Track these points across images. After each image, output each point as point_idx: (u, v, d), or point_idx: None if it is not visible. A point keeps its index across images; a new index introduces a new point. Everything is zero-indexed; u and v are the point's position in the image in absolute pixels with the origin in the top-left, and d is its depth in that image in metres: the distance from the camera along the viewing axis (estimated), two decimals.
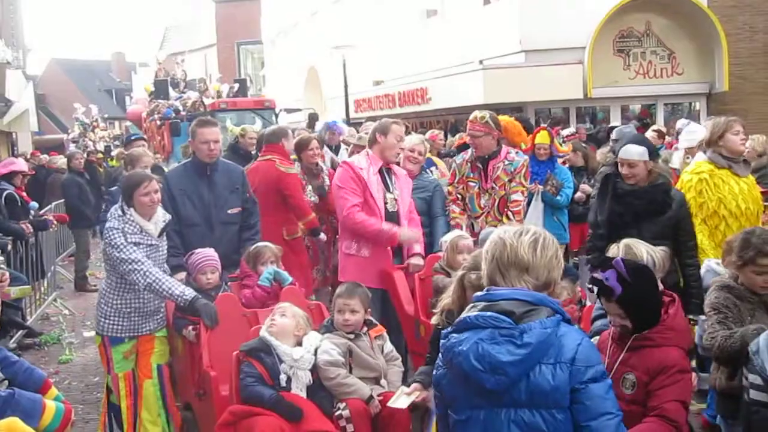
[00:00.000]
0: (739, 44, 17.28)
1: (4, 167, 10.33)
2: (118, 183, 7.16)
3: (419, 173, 6.89)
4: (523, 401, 2.56)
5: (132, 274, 4.95)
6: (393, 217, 5.97)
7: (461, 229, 6.20)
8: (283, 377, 4.24)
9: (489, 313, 2.63)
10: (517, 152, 6.78)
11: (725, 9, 17.35)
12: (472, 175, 6.52)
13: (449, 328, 2.75)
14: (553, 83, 16.46)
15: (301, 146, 7.74)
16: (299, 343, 4.35)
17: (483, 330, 2.61)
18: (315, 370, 4.35)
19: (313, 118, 16.22)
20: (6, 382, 3.39)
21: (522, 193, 6.55)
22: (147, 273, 4.93)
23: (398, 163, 6.56)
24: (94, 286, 12.19)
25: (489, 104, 17.51)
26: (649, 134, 13.36)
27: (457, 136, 10.11)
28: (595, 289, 3.36)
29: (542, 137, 8.55)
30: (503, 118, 7.85)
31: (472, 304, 2.74)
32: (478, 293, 2.77)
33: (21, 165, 11.00)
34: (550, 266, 2.72)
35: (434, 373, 2.83)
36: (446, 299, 4.07)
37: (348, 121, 18.76)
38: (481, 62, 17.63)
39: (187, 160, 6.66)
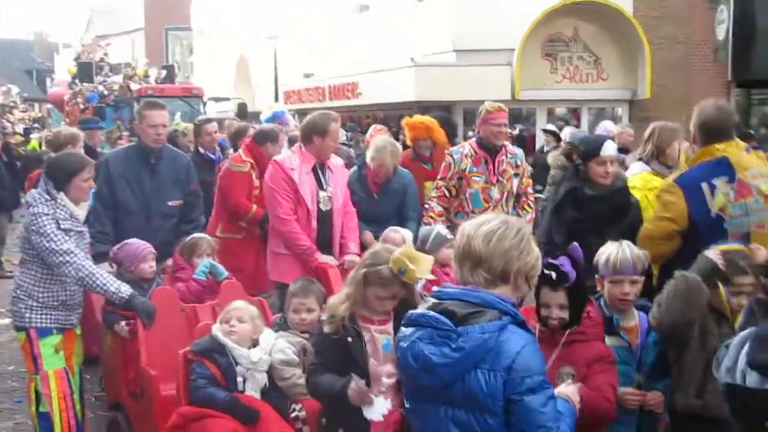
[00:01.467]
0: (661, 53, 17.82)
1: None
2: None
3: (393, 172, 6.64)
4: (459, 402, 2.55)
5: (64, 267, 4.60)
6: (326, 216, 5.80)
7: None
8: (240, 380, 4.03)
9: (431, 313, 2.60)
10: (512, 145, 6.76)
11: (649, 19, 17.88)
12: (475, 170, 6.26)
13: (404, 321, 2.73)
14: (482, 83, 16.66)
15: (239, 135, 7.61)
16: (254, 344, 4.12)
17: (424, 328, 2.60)
18: (269, 370, 4.14)
19: (242, 108, 16.13)
20: None
21: (531, 186, 6.66)
22: (80, 266, 4.60)
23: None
24: (10, 272, 11.79)
25: (420, 101, 17.69)
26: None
27: (371, 129, 9.52)
28: (554, 275, 3.34)
29: (441, 134, 8.43)
30: (427, 119, 7.85)
31: (425, 300, 2.75)
32: (435, 288, 2.73)
33: None
34: (507, 258, 2.59)
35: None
36: (339, 304, 3.55)
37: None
38: (412, 60, 17.74)
39: (131, 144, 6.43)
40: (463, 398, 2.54)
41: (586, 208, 4.87)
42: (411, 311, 2.73)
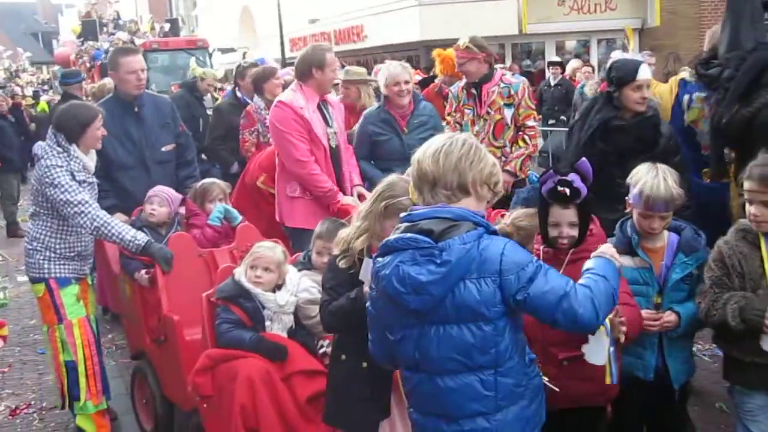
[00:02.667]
0: None
1: None
2: None
3: (414, 104, 6.14)
4: (451, 317, 2.57)
5: (79, 217, 4.58)
6: (336, 153, 5.65)
7: None
8: (267, 323, 4.00)
9: (408, 235, 2.60)
10: (513, 74, 6.48)
11: None
12: (468, 102, 6.14)
13: (379, 250, 2.73)
14: (489, 20, 16.45)
15: (265, 77, 7.21)
16: (278, 286, 4.08)
17: (404, 252, 2.60)
18: (295, 310, 4.11)
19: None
20: None
21: (534, 118, 6.17)
22: (95, 216, 4.58)
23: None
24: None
25: (425, 41, 17.50)
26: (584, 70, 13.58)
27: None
28: (567, 191, 3.26)
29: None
30: (447, 52, 7.62)
31: (396, 227, 2.72)
32: (403, 214, 2.72)
33: None
34: (460, 169, 2.62)
35: (368, 296, 2.86)
36: (354, 238, 3.46)
37: (284, 61, 18.53)
38: None
39: (108, 96, 6.03)
40: (453, 312, 2.56)
41: (612, 140, 4.60)
42: (385, 239, 2.71)
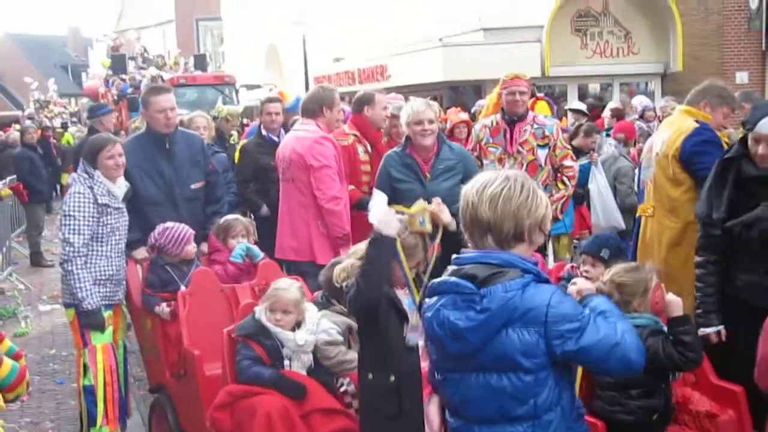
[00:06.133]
0: (693, 25, 17.54)
1: None
2: None
3: (439, 146, 5.41)
4: (490, 366, 2.52)
5: (63, 250, 4.88)
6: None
7: None
8: (286, 362, 4.01)
9: (452, 279, 2.57)
10: (545, 116, 6.44)
11: None
12: (492, 140, 5.98)
13: (427, 291, 2.74)
14: (511, 61, 16.43)
15: (367, 102, 6.47)
16: (298, 324, 4.09)
17: (446, 295, 2.58)
18: (314, 350, 4.10)
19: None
20: None
21: (571, 158, 6.07)
22: (70, 260, 4.82)
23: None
24: (50, 261, 12.08)
25: (448, 81, 17.64)
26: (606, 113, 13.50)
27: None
28: None
29: (542, 107, 7.93)
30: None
31: (447, 269, 2.70)
32: (454, 256, 2.68)
33: None
34: (518, 218, 2.52)
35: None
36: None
37: None
38: (440, 39, 17.68)
39: (140, 132, 6.08)
40: (493, 361, 2.50)
41: (749, 192, 4.03)
42: (432, 281, 2.71)
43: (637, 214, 5.25)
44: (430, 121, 5.31)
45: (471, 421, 2.59)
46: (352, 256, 3.64)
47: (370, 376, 3.35)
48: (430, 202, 3.60)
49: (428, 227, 3.47)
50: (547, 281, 2.56)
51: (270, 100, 7.65)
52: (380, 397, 3.28)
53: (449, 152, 5.43)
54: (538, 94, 7.32)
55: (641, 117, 11.36)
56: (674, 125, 4.94)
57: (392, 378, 3.25)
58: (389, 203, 3.53)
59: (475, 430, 2.59)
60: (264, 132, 7.43)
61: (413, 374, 3.25)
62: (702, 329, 4.00)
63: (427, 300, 2.69)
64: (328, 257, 5.51)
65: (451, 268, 2.65)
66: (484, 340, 2.49)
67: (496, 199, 2.53)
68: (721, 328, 4.06)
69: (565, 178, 5.99)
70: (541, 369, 2.49)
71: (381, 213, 3.31)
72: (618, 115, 11.01)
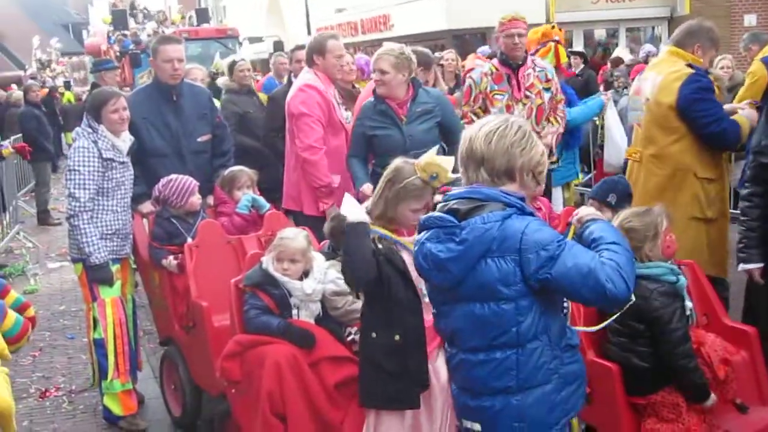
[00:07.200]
0: None
1: None
2: None
3: (414, 90, 5.30)
4: (473, 295, 2.61)
5: (69, 205, 4.81)
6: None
7: None
8: (294, 311, 4.00)
9: (436, 214, 2.69)
10: (540, 58, 6.20)
11: None
12: (497, 87, 5.74)
13: (417, 228, 2.85)
14: (515, 8, 16.16)
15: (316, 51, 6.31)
16: (305, 273, 4.07)
17: (431, 230, 2.69)
18: (322, 300, 4.10)
19: (278, 47, 16.02)
20: None
21: (563, 102, 6.01)
22: (77, 215, 4.77)
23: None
24: (57, 219, 12.12)
25: (452, 29, 17.43)
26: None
27: None
28: None
29: (561, 55, 7.92)
30: (544, 29, 7.08)
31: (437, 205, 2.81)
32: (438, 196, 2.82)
33: None
34: (510, 154, 2.62)
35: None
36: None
37: None
38: None
39: (148, 83, 5.97)
40: (475, 291, 2.59)
41: None
42: (423, 217, 2.81)
43: (624, 157, 5.17)
44: (382, 72, 5.16)
45: (461, 350, 2.73)
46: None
47: (374, 335, 3.35)
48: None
49: (437, 183, 3.38)
50: (531, 214, 2.62)
51: (299, 47, 7.59)
52: (385, 355, 3.30)
53: (426, 96, 5.35)
54: (556, 38, 7.20)
55: (645, 63, 11.26)
56: (664, 69, 4.80)
57: (397, 337, 3.26)
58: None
59: (464, 357, 2.71)
60: (294, 79, 7.22)
61: (417, 332, 3.27)
62: (742, 265, 3.96)
63: (417, 235, 2.81)
64: (314, 208, 5.57)
65: (439, 204, 2.76)
66: (465, 271, 2.59)
67: (491, 135, 2.65)
68: (761, 265, 3.96)
69: (558, 116, 5.88)
70: (521, 297, 2.56)
71: (345, 204, 3.33)
72: (616, 63, 11.04)
